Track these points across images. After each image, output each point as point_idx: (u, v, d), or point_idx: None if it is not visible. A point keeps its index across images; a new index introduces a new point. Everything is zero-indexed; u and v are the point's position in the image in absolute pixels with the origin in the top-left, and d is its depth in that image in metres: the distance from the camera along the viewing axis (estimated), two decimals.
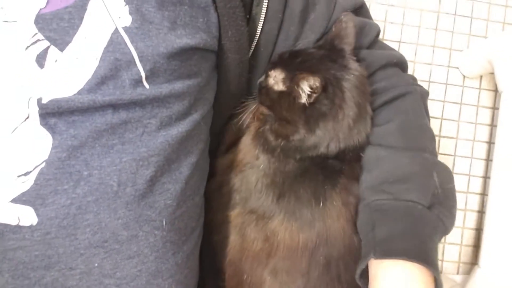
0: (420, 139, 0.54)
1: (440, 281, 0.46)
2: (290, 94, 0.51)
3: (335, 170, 0.53)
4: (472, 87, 1.26)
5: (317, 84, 0.48)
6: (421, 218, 0.49)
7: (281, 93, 0.53)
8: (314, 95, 0.49)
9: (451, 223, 0.51)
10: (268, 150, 0.54)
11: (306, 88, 0.49)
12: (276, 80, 0.53)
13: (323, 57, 0.53)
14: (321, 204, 0.51)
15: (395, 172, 0.51)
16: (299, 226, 0.52)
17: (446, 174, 0.53)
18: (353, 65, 0.53)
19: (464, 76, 1.25)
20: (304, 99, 0.50)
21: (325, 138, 0.51)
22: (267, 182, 0.54)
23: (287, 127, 0.53)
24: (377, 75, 0.57)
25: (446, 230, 0.50)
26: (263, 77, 0.56)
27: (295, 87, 0.50)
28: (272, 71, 0.54)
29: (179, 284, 0.47)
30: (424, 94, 0.58)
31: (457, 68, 1.25)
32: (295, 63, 0.52)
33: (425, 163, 0.53)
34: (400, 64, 0.59)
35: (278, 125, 0.54)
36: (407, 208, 0.49)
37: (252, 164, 0.55)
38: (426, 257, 0.46)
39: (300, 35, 0.55)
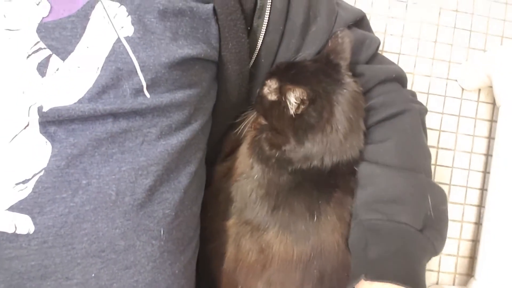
0: (416, 159, 0.55)
1: None
2: (280, 104, 0.52)
3: (329, 184, 0.53)
4: (471, 100, 1.26)
5: (304, 96, 0.49)
6: (413, 241, 0.49)
7: (273, 102, 0.53)
8: (302, 106, 0.50)
9: (441, 245, 0.52)
10: (262, 160, 0.54)
11: (292, 99, 0.50)
12: (270, 90, 0.53)
13: (317, 71, 0.53)
14: (315, 218, 0.51)
15: (390, 192, 0.52)
16: (294, 239, 0.52)
17: (439, 196, 0.54)
18: (347, 80, 0.53)
19: (462, 89, 1.25)
20: (291, 111, 0.50)
21: (316, 151, 0.51)
22: (261, 193, 0.54)
23: (279, 137, 0.53)
24: (375, 90, 0.57)
25: (435, 252, 0.51)
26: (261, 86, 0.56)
27: (283, 98, 0.51)
28: (268, 81, 0.54)
29: None
30: (423, 112, 0.58)
31: (456, 80, 1.25)
32: (289, 75, 0.53)
33: (420, 184, 0.53)
34: (399, 79, 0.59)
35: (271, 135, 0.54)
36: (400, 231, 0.50)
37: (247, 174, 0.55)
38: (416, 281, 0.47)
39: (301, 47, 0.55)
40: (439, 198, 0.53)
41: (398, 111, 0.56)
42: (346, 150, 0.52)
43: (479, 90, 1.25)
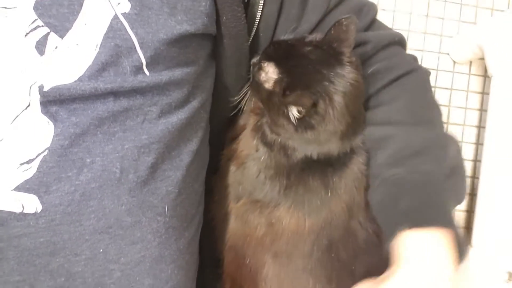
0: (429, 114, 0.54)
1: (463, 239, 0.48)
2: (278, 100, 0.50)
3: (344, 162, 0.53)
4: (462, 73, 1.27)
5: (306, 104, 0.47)
6: (439, 188, 0.49)
7: (270, 92, 0.51)
8: (303, 111, 0.48)
9: (463, 192, 0.52)
10: (267, 144, 0.54)
11: (294, 112, 0.49)
12: (268, 77, 0.52)
13: (319, 63, 0.50)
14: (329, 193, 0.52)
15: (409, 148, 0.51)
16: (307, 212, 0.52)
17: (456, 147, 0.54)
18: (349, 70, 0.50)
19: (454, 62, 1.26)
20: (292, 120, 0.49)
21: (317, 144, 0.51)
22: (270, 173, 0.54)
23: (278, 128, 0.52)
24: (380, 54, 0.57)
25: (458, 199, 0.51)
26: (256, 59, 0.54)
27: (284, 109, 0.49)
28: (266, 65, 0.52)
29: (181, 269, 0.48)
30: (428, 73, 0.58)
31: (448, 54, 1.26)
32: (289, 65, 0.50)
33: (437, 136, 0.52)
34: (401, 42, 0.59)
35: (270, 122, 0.53)
36: (425, 180, 0.49)
37: (253, 156, 0.55)
38: (451, 224, 0.47)
39: (301, 17, 0.54)
40: (456, 149, 0.54)
41: (404, 72, 0.55)
42: (350, 136, 0.52)
43: (470, 62, 1.26)
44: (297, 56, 0.51)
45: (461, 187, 0.52)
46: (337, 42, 0.51)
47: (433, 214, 0.47)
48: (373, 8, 0.59)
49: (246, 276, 0.56)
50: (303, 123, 0.50)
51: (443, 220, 0.47)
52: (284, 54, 0.51)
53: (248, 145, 0.56)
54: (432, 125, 0.53)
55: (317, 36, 0.53)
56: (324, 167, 0.52)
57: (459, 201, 0.52)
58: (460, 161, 0.53)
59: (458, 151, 0.54)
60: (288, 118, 0.50)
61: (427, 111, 0.54)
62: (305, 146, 0.52)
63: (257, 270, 0.55)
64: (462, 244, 0.47)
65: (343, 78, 0.50)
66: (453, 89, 1.26)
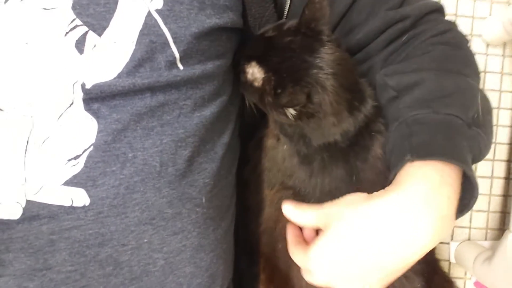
0: (466, 68, 0.50)
1: (476, 183, 0.43)
2: (272, 99, 0.48)
3: (365, 144, 0.52)
4: (496, 55, 1.23)
5: (302, 101, 0.46)
6: (459, 131, 0.45)
7: (262, 91, 0.50)
8: (299, 108, 0.47)
9: (486, 149, 0.47)
10: (287, 135, 0.54)
11: (291, 111, 0.48)
12: (254, 77, 0.50)
13: (302, 50, 0.48)
14: (354, 178, 0.51)
15: (437, 91, 0.47)
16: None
17: (487, 104, 0.49)
18: (332, 49, 0.49)
19: (487, 44, 1.22)
20: (290, 117, 0.48)
21: (326, 130, 0.50)
22: (295, 162, 0.54)
23: (281, 120, 0.51)
24: (418, 24, 0.54)
25: (480, 154, 0.46)
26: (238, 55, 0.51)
27: (279, 108, 0.48)
28: (248, 67, 0.50)
29: (219, 258, 0.50)
30: (465, 37, 0.55)
31: (480, 36, 1.22)
32: (273, 61, 0.48)
33: (469, 86, 0.48)
34: (439, 10, 0.56)
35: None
36: (447, 121, 0.45)
37: (277, 145, 0.56)
38: (462, 159, 0.42)
39: (334, 1, 0.52)
40: (486, 106, 0.49)
41: (442, 30, 0.52)
42: (358, 107, 0.50)
43: (504, 44, 1.22)
44: (278, 49, 0.49)
45: (483, 141, 0.46)
46: (314, 21, 0.49)
47: (443, 151, 0.42)
48: None
49: (279, 257, 0.57)
50: (302, 115, 0.49)
51: (454, 157, 0.41)
52: (264, 50, 0.49)
53: (271, 135, 0.57)
54: (465, 76, 0.49)
55: (293, 22, 0.50)
56: (345, 153, 0.52)
57: (478, 157, 0.46)
58: (487, 121, 0.48)
59: (488, 110, 0.49)
60: (286, 115, 0.49)
61: (461, 65, 0.50)
62: (321, 133, 0.51)
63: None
64: (473, 188, 0.43)
65: (329, 59, 0.48)
66: (486, 72, 1.23)
